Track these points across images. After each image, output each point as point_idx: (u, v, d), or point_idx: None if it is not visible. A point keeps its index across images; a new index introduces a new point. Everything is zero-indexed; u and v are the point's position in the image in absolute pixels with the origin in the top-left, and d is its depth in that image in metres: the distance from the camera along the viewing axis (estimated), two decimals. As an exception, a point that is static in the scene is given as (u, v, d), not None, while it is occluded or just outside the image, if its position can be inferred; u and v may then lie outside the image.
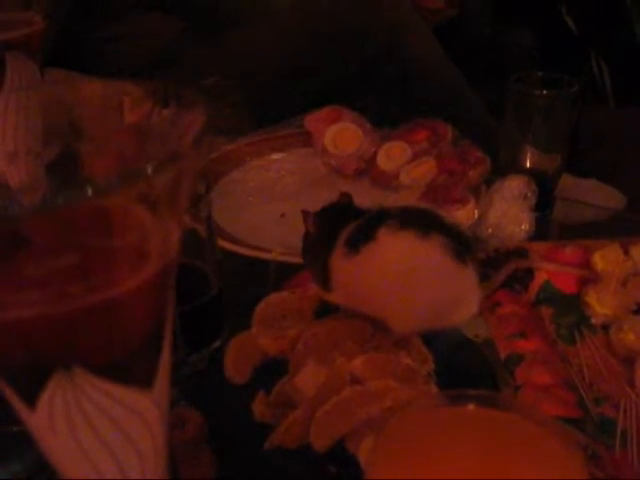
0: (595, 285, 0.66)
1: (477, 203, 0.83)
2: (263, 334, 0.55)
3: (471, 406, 0.37)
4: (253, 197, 0.93)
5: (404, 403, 0.46)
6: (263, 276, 0.74)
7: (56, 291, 0.22)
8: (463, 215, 0.80)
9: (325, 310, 0.56)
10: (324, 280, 0.54)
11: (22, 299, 0.22)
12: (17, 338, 0.23)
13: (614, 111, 1.75)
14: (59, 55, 1.03)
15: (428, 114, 0.99)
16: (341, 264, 0.52)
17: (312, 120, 1.01)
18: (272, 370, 0.54)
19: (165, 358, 0.26)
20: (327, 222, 0.54)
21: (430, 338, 0.54)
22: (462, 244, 0.51)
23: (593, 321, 0.64)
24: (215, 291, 0.62)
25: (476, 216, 0.81)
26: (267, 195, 0.93)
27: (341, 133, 0.97)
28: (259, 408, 0.52)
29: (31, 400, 0.24)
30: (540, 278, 0.68)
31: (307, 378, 0.51)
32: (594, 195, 1.10)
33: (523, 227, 0.78)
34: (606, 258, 0.68)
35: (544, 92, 0.84)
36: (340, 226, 0.53)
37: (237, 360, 0.56)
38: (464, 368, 0.55)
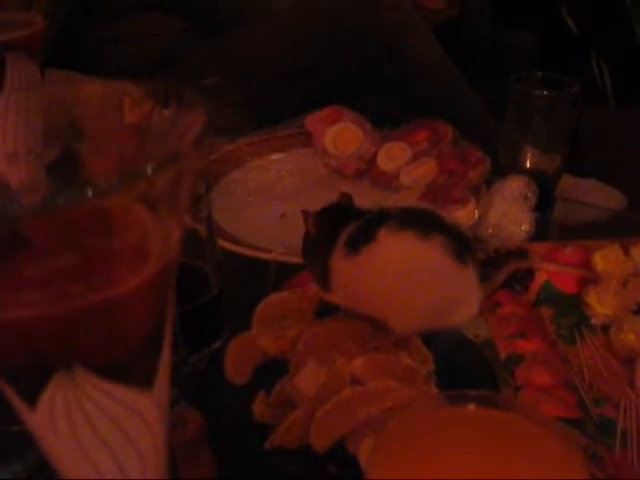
0: (595, 285, 0.66)
1: (477, 203, 0.83)
2: (263, 334, 0.55)
3: (471, 406, 0.37)
4: (253, 197, 0.93)
5: (404, 403, 0.46)
6: (263, 276, 0.74)
7: (56, 291, 0.22)
8: (463, 215, 0.80)
9: (325, 310, 0.56)
10: (324, 280, 0.54)
11: (22, 299, 0.22)
12: (17, 338, 0.23)
13: (614, 111, 1.75)
14: (59, 55, 1.03)
15: (428, 114, 0.99)
16: (341, 264, 0.52)
17: (312, 120, 1.01)
18: (272, 370, 0.54)
19: (165, 358, 0.26)
20: (327, 222, 0.54)
21: (430, 338, 0.54)
22: (462, 244, 0.51)
23: (593, 321, 0.64)
24: (215, 291, 0.62)
25: (476, 216, 0.81)
26: (267, 195, 0.93)
27: (341, 133, 0.97)
28: (259, 408, 0.52)
29: (32, 400, 0.24)
30: (540, 278, 0.68)
31: (307, 378, 0.51)
32: (594, 195, 1.10)
33: (523, 227, 0.79)
34: (606, 258, 0.68)
35: (544, 92, 0.84)
36: (340, 226, 0.53)
37: (237, 360, 0.56)
38: (464, 368, 0.56)
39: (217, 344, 0.62)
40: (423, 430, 0.37)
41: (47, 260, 0.22)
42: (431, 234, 0.50)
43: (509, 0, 1.93)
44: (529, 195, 0.81)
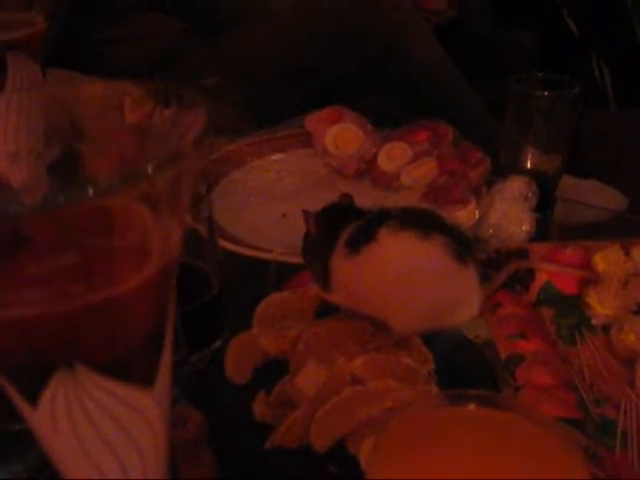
0: (596, 286, 0.66)
1: (478, 204, 0.83)
2: (264, 334, 0.55)
3: (471, 406, 0.37)
4: (254, 197, 0.93)
5: (404, 403, 0.46)
6: (264, 276, 0.74)
7: (57, 290, 0.22)
8: (464, 216, 0.80)
9: (326, 310, 0.56)
10: (324, 280, 0.54)
11: (23, 298, 0.22)
12: (19, 336, 0.23)
13: (615, 113, 1.76)
14: (60, 56, 1.04)
15: (429, 115, 0.99)
16: (342, 264, 0.52)
17: (313, 120, 1.01)
18: (273, 370, 0.54)
19: (166, 357, 0.26)
20: (328, 222, 0.54)
21: (430, 338, 0.54)
22: (463, 245, 0.51)
23: (594, 322, 0.64)
24: (216, 291, 0.62)
25: (477, 217, 0.81)
26: (268, 195, 0.93)
27: (342, 134, 0.97)
28: (259, 408, 0.52)
29: (33, 398, 0.24)
30: (541, 279, 0.68)
31: (307, 378, 0.51)
32: (595, 196, 1.10)
33: (524, 228, 0.79)
34: (607, 259, 0.68)
35: (545, 93, 0.84)
36: (341, 226, 0.53)
37: (238, 360, 0.56)
38: (464, 368, 0.55)
39: (218, 344, 0.62)
40: (423, 430, 0.37)
41: (48, 259, 0.22)
42: (431, 234, 0.50)
43: (509, 1, 1.93)
44: (530, 196, 0.81)
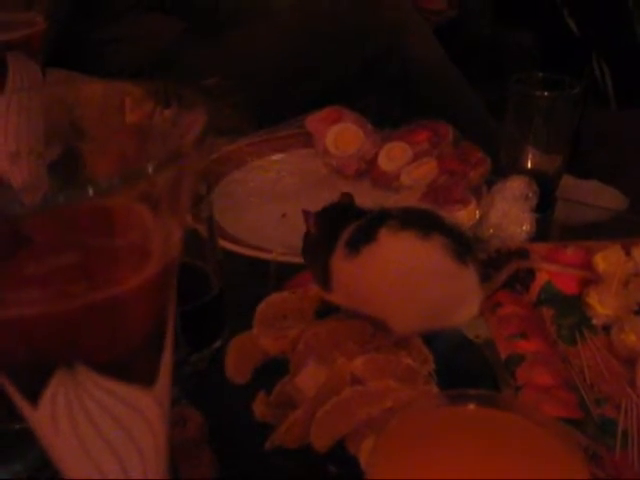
0: (596, 286, 0.66)
1: (478, 204, 0.83)
2: (264, 334, 0.55)
3: (471, 406, 0.37)
4: (254, 197, 0.93)
5: (404, 403, 0.46)
6: (264, 276, 0.74)
7: (57, 290, 0.22)
8: (464, 216, 0.80)
9: (326, 310, 0.56)
10: (325, 281, 0.54)
11: (24, 297, 0.22)
12: (19, 336, 0.23)
13: (615, 113, 1.75)
14: (60, 56, 1.04)
15: (429, 114, 0.99)
16: (342, 265, 0.52)
17: (313, 121, 1.01)
18: (273, 370, 0.54)
19: (167, 357, 0.26)
20: (328, 222, 0.54)
21: (431, 338, 0.54)
22: (463, 245, 0.51)
23: (594, 322, 0.64)
24: (216, 291, 0.62)
25: (477, 217, 0.81)
26: (268, 195, 0.93)
27: (342, 134, 0.97)
28: (260, 408, 0.52)
29: (33, 398, 0.24)
30: (541, 279, 0.68)
31: (308, 378, 0.51)
32: (595, 196, 1.10)
33: (524, 228, 0.78)
34: (607, 259, 0.68)
35: (545, 93, 0.84)
36: (341, 226, 0.53)
37: (238, 360, 0.56)
38: (465, 368, 0.56)
39: (218, 344, 0.62)
40: (423, 430, 0.37)
41: (48, 259, 0.22)
42: (432, 234, 0.50)
43: (509, 0, 1.93)
44: (530, 195, 0.81)
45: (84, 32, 1.31)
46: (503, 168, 0.88)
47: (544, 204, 0.83)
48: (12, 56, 0.48)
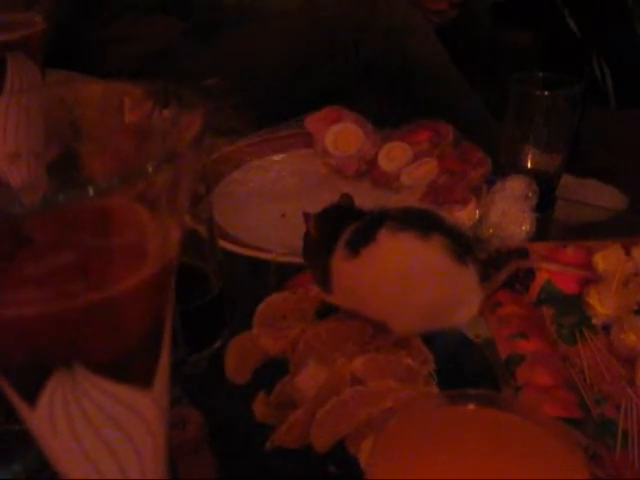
0: (596, 285, 0.66)
1: (478, 203, 0.83)
2: (264, 334, 0.55)
3: (471, 406, 0.37)
4: (254, 197, 0.93)
5: (404, 403, 0.46)
6: (264, 276, 0.74)
7: (56, 290, 0.22)
8: (464, 215, 0.80)
9: (326, 310, 0.56)
10: (325, 281, 0.54)
11: (22, 297, 0.22)
12: (17, 336, 0.23)
13: (615, 113, 1.75)
14: (59, 56, 1.04)
15: (429, 114, 0.99)
16: (342, 265, 0.52)
17: (313, 121, 1.01)
18: (273, 370, 0.54)
19: (164, 357, 0.26)
20: (328, 223, 0.54)
21: (431, 338, 0.54)
22: (463, 245, 0.51)
23: (594, 321, 0.64)
24: (216, 291, 0.62)
25: (477, 216, 0.81)
26: (268, 196, 0.93)
27: (342, 134, 0.97)
28: (260, 408, 0.52)
29: (31, 398, 0.24)
30: (541, 278, 0.68)
31: (308, 378, 0.51)
32: (595, 196, 1.10)
33: (524, 227, 0.78)
34: (607, 259, 0.68)
35: (545, 93, 0.84)
36: (341, 227, 0.53)
37: (238, 360, 0.56)
38: (465, 368, 0.55)
39: (218, 344, 0.62)
40: (423, 430, 0.37)
41: (47, 258, 0.22)
42: (431, 234, 0.50)
43: (509, 0, 1.93)
44: (530, 195, 0.81)
45: (84, 32, 1.31)
46: (503, 168, 0.88)
47: (544, 204, 0.83)
48: (11, 56, 0.48)
